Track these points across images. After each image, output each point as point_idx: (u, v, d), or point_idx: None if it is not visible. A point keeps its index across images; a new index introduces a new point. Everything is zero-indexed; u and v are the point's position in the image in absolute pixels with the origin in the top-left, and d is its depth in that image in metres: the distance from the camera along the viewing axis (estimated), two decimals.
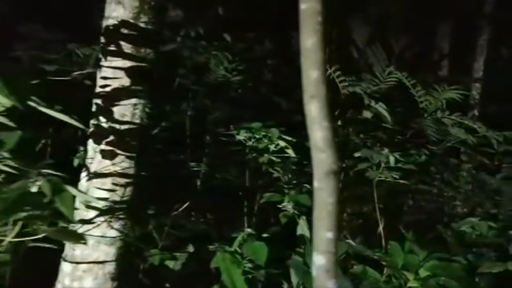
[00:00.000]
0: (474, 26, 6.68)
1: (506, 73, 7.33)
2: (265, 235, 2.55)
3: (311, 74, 1.10)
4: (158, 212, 2.44)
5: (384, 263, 2.23)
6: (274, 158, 2.51)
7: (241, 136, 2.60)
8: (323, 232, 1.10)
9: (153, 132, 3.37)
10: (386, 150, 2.66)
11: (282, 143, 2.46)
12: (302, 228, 2.59)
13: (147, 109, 2.06)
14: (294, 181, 2.53)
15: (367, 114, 3.53)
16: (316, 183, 1.11)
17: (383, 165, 2.67)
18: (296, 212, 2.48)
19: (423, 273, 2.10)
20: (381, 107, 3.36)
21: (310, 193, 2.51)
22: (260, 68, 4.94)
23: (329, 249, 1.10)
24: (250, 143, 2.46)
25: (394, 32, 5.28)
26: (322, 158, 1.08)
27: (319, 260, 1.10)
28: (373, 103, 3.43)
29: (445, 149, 5.94)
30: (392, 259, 2.30)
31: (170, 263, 2.33)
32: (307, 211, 2.58)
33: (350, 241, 2.52)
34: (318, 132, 1.08)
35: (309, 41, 1.12)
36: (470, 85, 6.35)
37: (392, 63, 5.43)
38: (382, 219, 4.90)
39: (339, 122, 3.58)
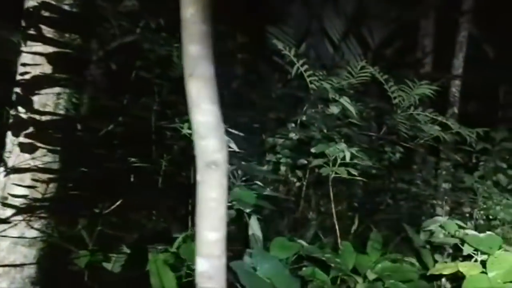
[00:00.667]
0: (456, 22, 6.58)
1: (487, 70, 7.25)
2: None
3: (191, 49, 0.95)
4: (89, 211, 2.28)
5: (332, 264, 2.09)
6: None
7: (185, 129, 2.45)
8: (205, 233, 0.95)
9: (110, 127, 3.20)
10: (343, 145, 2.52)
11: (225, 137, 2.32)
12: (253, 228, 2.45)
13: (74, 99, 1.89)
14: (244, 178, 2.38)
15: (334, 109, 3.38)
16: (198, 176, 0.96)
17: (339, 161, 2.53)
18: (245, 210, 2.33)
19: (371, 275, 1.97)
20: (346, 102, 3.21)
21: (258, 189, 2.37)
22: (230, 62, 4.79)
23: (213, 252, 0.95)
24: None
25: (371, 27, 5.14)
26: (203, 147, 0.94)
27: (202, 265, 0.95)
28: (341, 99, 3.28)
29: (425, 147, 5.86)
30: (343, 261, 2.16)
31: (108, 265, 2.18)
32: (260, 210, 2.44)
33: (301, 241, 2.37)
34: (198, 116, 0.94)
35: (189, 10, 0.97)
36: (450, 82, 6.24)
37: (368, 58, 5.32)
38: (357, 217, 4.80)
39: (304, 118, 3.43)
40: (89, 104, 2.78)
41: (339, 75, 4.46)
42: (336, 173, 2.59)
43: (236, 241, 2.61)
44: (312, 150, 2.71)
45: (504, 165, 4.94)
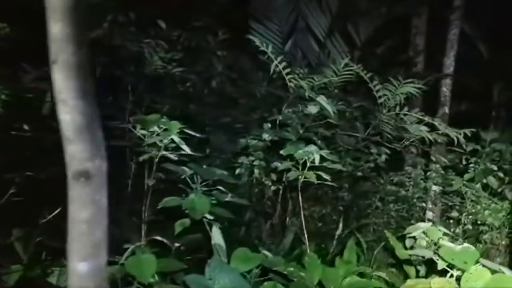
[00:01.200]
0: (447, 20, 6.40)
1: (480, 69, 7.07)
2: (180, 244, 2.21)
3: (54, 30, 0.76)
4: (27, 219, 2.09)
5: (295, 279, 1.90)
6: (170, 155, 2.16)
7: (137, 130, 2.25)
8: (74, 262, 0.76)
9: None
10: (313, 148, 2.33)
11: (176, 138, 2.11)
12: (215, 237, 2.25)
13: (3, 96, 1.70)
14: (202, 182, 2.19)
15: (312, 109, 3.19)
16: (69, 190, 0.77)
17: (308, 164, 2.34)
18: (207, 218, 2.14)
19: None
20: (323, 101, 3.02)
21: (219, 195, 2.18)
22: (210, 59, 4.59)
23: (84, 285, 0.76)
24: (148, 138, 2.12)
25: (357, 24, 4.95)
26: (71, 153, 0.74)
27: None
28: (318, 98, 3.09)
29: (416, 148, 5.68)
30: (309, 274, 1.97)
31: (53, 279, 1.99)
32: (222, 218, 2.25)
33: (265, 252, 2.18)
34: (65, 115, 0.74)
35: None
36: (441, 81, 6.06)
37: (355, 56, 5.13)
38: (341, 221, 4.61)
39: (280, 118, 3.24)
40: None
41: (324, 73, 4.28)
42: (305, 177, 2.39)
43: (201, 251, 2.42)
44: (281, 152, 2.52)
45: (495, 167, 4.76)
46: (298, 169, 2.36)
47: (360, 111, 4.32)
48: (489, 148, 4.85)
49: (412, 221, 5.06)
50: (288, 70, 3.61)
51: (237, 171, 3.01)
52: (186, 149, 2.13)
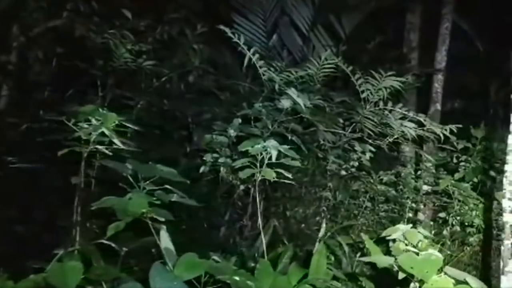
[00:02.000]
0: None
1: (476, 65, 6.83)
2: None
3: None
4: None
5: None
6: (105, 150, 1.95)
7: (71, 123, 2.05)
8: None
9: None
10: (272, 142, 2.12)
11: (107, 132, 1.91)
12: (163, 241, 2.05)
13: None
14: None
15: (284, 103, 2.98)
16: None
17: (266, 161, 2.14)
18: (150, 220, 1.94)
19: None
20: (293, 94, 2.81)
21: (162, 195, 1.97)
22: (186, 53, 4.39)
23: None
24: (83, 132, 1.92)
25: (341, 17, 4.74)
26: None
27: None
28: (288, 91, 2.88)
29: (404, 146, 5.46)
30: (258, 284, 1.76)
31: None
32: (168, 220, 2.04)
33: (215, 257, 1.97)
34: None
35: None
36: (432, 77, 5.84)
37: (339, 50, 4.92)
38: (324, 223, 4.39)
39: (250, 112, 3.03)
40: None
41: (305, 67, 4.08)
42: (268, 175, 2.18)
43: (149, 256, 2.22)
44: (238, 148, 2.31)
45: (486, 166, 4.55)
46: (256, 166, 2.15)
47: (343, 107, 4.11)
48: (480, 145, 4.64)
49: (402, 222, 4.85)
50: (261, 62, 3.40)
51: (201, 168, 2.80)
52: (118, 144, 1.92)
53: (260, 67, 3.42)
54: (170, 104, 4.11)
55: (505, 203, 2.12)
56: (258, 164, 2.14)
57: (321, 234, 4.27)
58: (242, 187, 2.99)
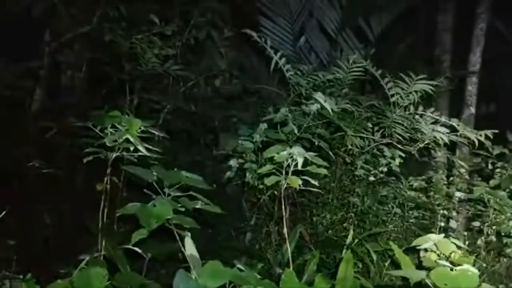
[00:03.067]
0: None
1: (508, 65, 6.55)
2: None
3: None
4: None
5: None
6: (129, 157, 1.95)
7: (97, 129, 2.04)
8: None
9: None
10: (298, 149, 2.07)
11: (132, 138, 1.89)
12: (188, 247, 2.04)
13: None
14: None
15: (311, 107, 2.93)
16: None
17: (292, 168, 2.08)
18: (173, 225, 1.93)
19: None
20: (321, 98, 2.75)
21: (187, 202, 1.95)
22: (212, 57, 4.40)
23: None
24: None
25: (370, 19, 4.63)
26: None
27: None
28: (315, 95, 2.83)
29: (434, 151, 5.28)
30: None
31: None
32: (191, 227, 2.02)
33: (240, 265, 1.93)
34: None
35: None
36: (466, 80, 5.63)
37: (368, 52, 4.81)
38: (351, 229, 4.30)
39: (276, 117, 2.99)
40: None
41: (332, 71, 4.01)
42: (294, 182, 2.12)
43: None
44: (264, 154, 2.27)
45: None
46: (281, 173, 2.10)
47: (371, 111, 4.01)
48: None
49: (433, 230, 4.69)
50: (288, 66, 3.35)
51: (227, 174, 2.78)
52: (143, 150, 1.92)
53: (287, 70, 3.37)
54: (197, 108, 4.12)
55: None
56: (283, 171, 2.09)
57: (348, 240, 4.18)
58: (268, 192, 2.94)
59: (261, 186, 2.94)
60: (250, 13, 5.38)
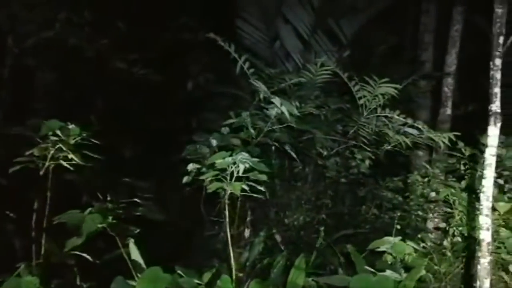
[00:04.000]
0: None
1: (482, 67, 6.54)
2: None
3: None
4: None
5: None
6: (65, 164, 1.97)
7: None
8: None
9: None
10: (242, 155, 2.09)
11: (64, 147, 1.90)
12: (132, 253, 2.06)
13: None
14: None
15: (272, 111, 2.96)
16: None
17: (235, 174, 2.10)
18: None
19: None
20: (278, 102, 2.78)
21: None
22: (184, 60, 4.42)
23: None
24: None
25: (342, 21, 4.65)
26: None
27: None
28: (273, 99, 2.86)
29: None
30: None
31: None
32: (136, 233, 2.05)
33: (180, 271, 1.96)
34: None
35: None
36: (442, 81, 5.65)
37: (341, 55, 4.83)
38: (322, 231, 4.34)
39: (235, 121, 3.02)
40: None
41: (299, 74, 4.03)
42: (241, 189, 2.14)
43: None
44: (207, 161, 2.30)
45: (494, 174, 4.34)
46: (226, 179, 2.13)
47: (341, 114, 4.04)
48: None
49: (408, 231, 4.72)
50: (252, 70, 3.38)
51: (185, 179, 2.80)
52: (77, 160, 1.93)
53: (252, 74, 3.40)
54: (162, 113, 4.12)
55: (482, 220, 2.03)
56: (228, 178, 2.12)
57: (318, 242, 4.21)
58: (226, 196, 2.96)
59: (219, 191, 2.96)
60: (228, 16, 5.38)
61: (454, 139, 3.61)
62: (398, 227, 3.68)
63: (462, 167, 4.74)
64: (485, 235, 1.97)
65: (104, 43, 3.35)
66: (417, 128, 3.78)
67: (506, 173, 4.33)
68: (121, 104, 3.66)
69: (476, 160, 4.61)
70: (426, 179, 4.94)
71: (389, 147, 3.79)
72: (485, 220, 1.99)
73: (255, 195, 2.17)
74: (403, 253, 2.77)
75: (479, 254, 1.98)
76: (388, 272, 1.84)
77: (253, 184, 2.17)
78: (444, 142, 3.66)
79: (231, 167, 2.06)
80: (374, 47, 5.99)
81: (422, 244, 3.49)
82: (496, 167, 4.45)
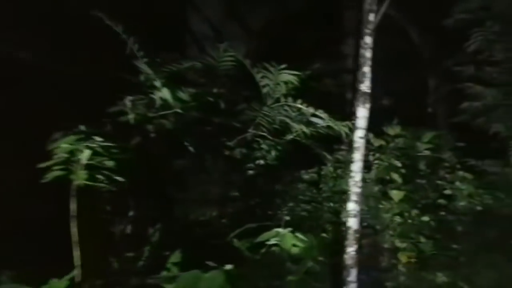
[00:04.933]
0: None
1: (404, 59, 6.70)
2: None
3: None
4: None
5: None
6: None
7: None
8: None
9: None
10: (88, 141, 1.84)
11: None
12: None
13: None
14: None
15: (155, 96, 2.72)
16: None
17: (82, 162, 1.86)
18: None
19: None
20: (160, 87, 2.55)
21: None
22: None
23: None
24: None
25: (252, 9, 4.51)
26: None
27: None
28: (156, 82, 2.62)
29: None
30: None
31: None
32: None
33: None
34: None
35: None
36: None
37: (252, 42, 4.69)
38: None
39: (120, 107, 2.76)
40: None
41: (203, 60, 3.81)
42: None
43: None
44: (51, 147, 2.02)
45: (399, 164, 4.42)
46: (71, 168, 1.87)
47: (246, 102, 3.87)
48: (393, 143, 4.52)
49: (320, 222, 4.69)
50: (141, 53, 3.11)
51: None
52: None
53: (142, 57, 3.13)
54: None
55: (350, 206, 1.93)
56: (75, 165, 1.86)
57: (228, 238, 4.04)
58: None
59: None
60: None
61: (352, 127, 3.55)
62: (288, 218, 3.58)
63: (371, 158, 4.79)
64: (352, 222, 1.87)
65: None
66: (321, 118, 3.70)
67: (408, 162, 4.42)
68: None
69: (384, 151, 4.67)
70: (338, 171, 4.95)
71: (291, 137, 3.68)
72: (353, 207, 1.89)
73: (101, 184, 1.93)
74: (289, 245, 2.66)
75: (346, 242, 1.88)
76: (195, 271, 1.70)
77: (110, 174, 1.92)
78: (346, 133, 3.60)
79: (77, 154, 1.81)
80: (293, 39, 5.91)
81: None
82: (400, 157, 4.57)
